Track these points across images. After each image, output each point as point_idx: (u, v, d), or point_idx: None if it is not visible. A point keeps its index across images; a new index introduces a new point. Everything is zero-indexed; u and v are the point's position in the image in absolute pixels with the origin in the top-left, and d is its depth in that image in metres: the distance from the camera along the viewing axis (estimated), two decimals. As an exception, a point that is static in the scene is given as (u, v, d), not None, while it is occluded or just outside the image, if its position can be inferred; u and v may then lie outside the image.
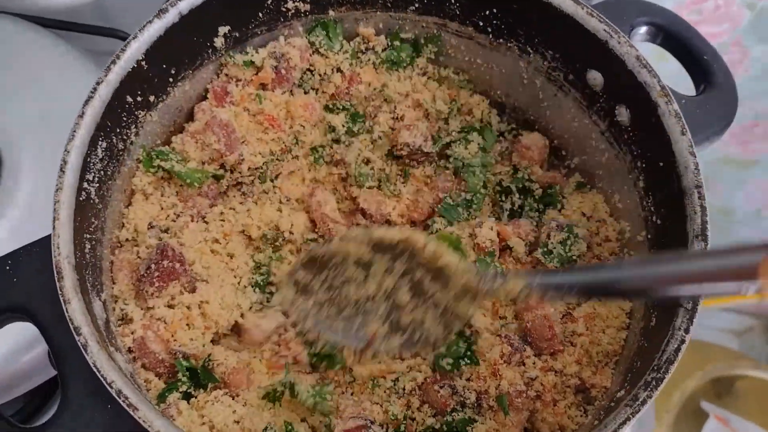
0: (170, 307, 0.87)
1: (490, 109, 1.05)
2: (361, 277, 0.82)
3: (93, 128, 0.81)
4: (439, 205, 0.97)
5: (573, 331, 0.89)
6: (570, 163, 1.02)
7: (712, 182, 2.00)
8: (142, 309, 0.86)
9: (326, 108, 1.01)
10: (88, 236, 0.82)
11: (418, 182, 1.00)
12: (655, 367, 0.74)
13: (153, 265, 0.85)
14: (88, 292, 0.78)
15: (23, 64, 1.16)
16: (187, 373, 0.85)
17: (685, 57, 1.01)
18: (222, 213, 0.94)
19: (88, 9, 1.28)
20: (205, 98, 0.98)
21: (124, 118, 0.87)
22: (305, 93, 1.02)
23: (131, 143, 0.90)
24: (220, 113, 0.94)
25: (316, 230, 0.96)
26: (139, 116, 0.90)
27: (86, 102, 0.81)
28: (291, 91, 1.01)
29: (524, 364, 0.87)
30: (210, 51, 0.95)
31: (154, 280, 0.85)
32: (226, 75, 0.98)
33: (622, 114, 0.90)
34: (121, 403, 0.69)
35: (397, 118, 1.01)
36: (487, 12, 0.97)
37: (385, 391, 0.88)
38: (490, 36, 0.99)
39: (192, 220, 0.92)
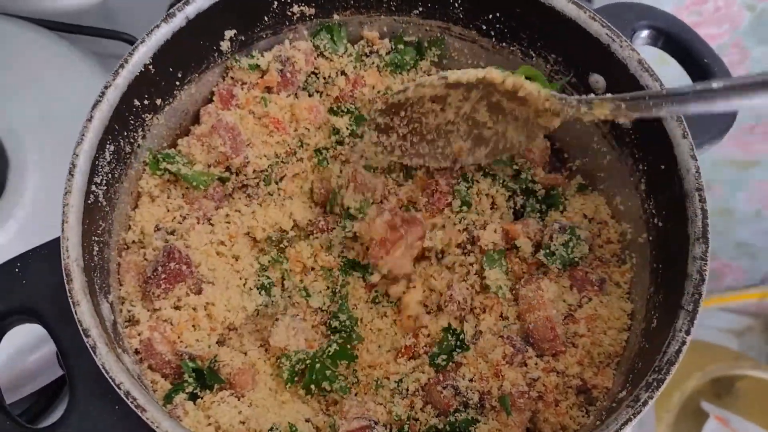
0: (176, 308, 0.87)
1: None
2: (438, 108, 0.87)
3: (101, 132, 0.82)
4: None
5: (575, 332, 0.89)
6: (572, 165, 1.02)
7: (712, 183, 2.01)
8: (148, 310, 0.87)
9: (330, 111, 1.02)
10: (96, 239, 0.83)
11: (422, 182, 1.01)
12: (657, 368, 0.75)
13: (160, 267, 0.86)
14: (96, 294, 0.79)
15: (29, 66, 1.17)
16: (193, 374, 0.85)
17: (685, 60, 1.02)
18: (227, 215, 0.94)
19: (93, 12, 1.29)
20: (210, 101, 0.99)
21: (132, 122, 0.88)
22: (310, 96, 1.03)
23: (138, 146, 0.91)
24: (225, 116, 0.95)
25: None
26: (146, 119, 0.91)
27: (94, 106, 0.82)
28: (296, 94, 1.02)
29: (526, 365, 0.88)
30: (216, 54, 0.96)
31: (161, 282, 0.86)
32: (232, 78, 0.99)
33: (624, 117, 0.91)
34: (129, 404, 0.70)
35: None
36: (490, 16, 0.98)
37: (388, 392, 0.89)
38: (493, 39, 1.00)
39: (198, 222, 0.93)
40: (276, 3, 0.97)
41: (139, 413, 0.70)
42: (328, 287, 0.95)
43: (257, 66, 0.99)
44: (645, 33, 1.02)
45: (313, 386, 0.88)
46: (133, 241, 0.91)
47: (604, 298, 0.91)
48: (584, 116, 0.82)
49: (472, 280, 0.93)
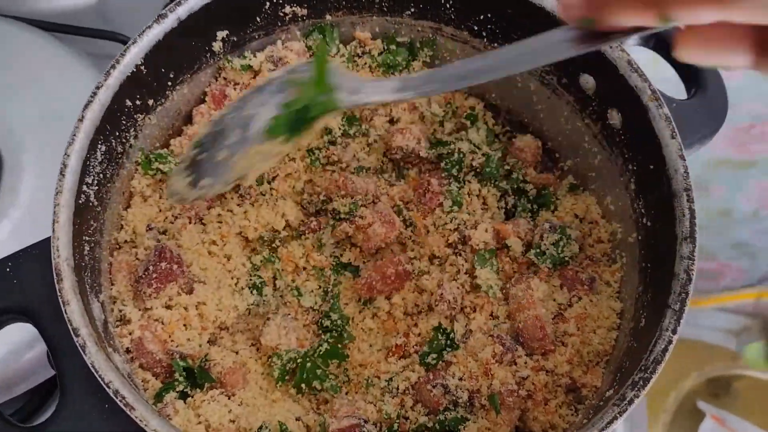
0: (168, 308, 0.88)
1: (485, 111, 1.06)
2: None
3: (92, 132, 0.83)
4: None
5: (564, 331, 0.90)
6: (563, 165, 1.03)
7: (710, 183, 2.01)
8: (140, 310, 0.88)
9: (323, 111, 1.02)
10: (87, 238, 0.83)
11: (415, 183, 1.02)
12: (643, 367, 0.75)
13: (151, 267, 0.87)
14: (87, 293, 0.80)
15: (24, 66, 1.17)
16: (184, 373, 0.86)
17: (676, 61, 1.01)
18: (219, 215, 0.95)
19: (88, 12, 1.29)
20: (203, 101, 0.99)
21: (124, 122, 0.89)
22: (302, 96, 1.03)
23: (130, 146, 0.91)
24: (218, 116, 0.95)
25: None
26: (138, 120, 0.91)
27: (86, 106, 0.83)
28: (288, 94, 1.02)
29: (516, 364, 0.88)
30: (208, 55, 0.97)
31: (152, 281, 0.86)
32: (225, 79, 1.00)
33: (614, 117, 0.92)
34: (119, 402, 0.71)
35: (392, 121, 1.03)
36: (482, 17, 0.98)
37: (379, 391, 0.90)
38: (485, 40, 1.00)
39: (190, 222, 0.93)
40: (268, 4, 0.97)
41: (128, 412, 0.71)
42: (320, 287, 0.96)
43: (249, 66, 0.99)
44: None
45: (303, 385, 0.88)
46: (125, 241, 0.92)
47: (593, 298, 0.92)
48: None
49: (462, 279, 0.93)
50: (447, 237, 0.95)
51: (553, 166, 1.04)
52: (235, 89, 0.99)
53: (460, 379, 0.88)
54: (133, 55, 0.87)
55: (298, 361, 0.88)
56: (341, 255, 0.97)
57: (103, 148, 0.86)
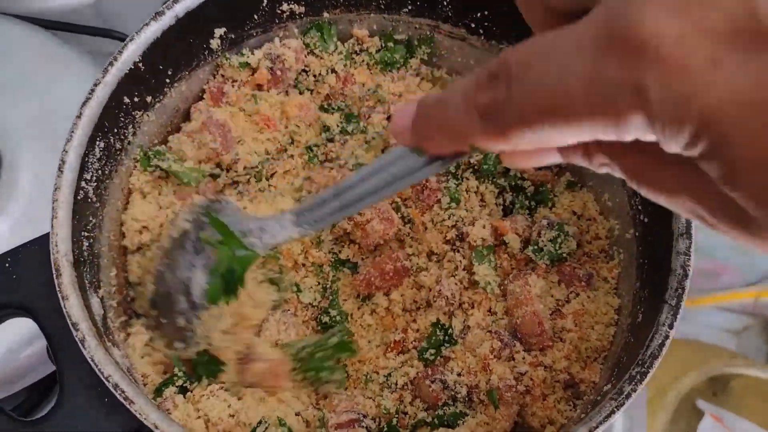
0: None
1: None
2: None
3: (91, 129, 0.83)
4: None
5: (562, 327, 0.90)
6: (561, 162, 1.03)
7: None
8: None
9: (321, 108, 1.03)
10: (86, 234, 0.83)
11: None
12: (640, 362, 0.76)
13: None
14: (86, 288, 0.80)
15: (22, 64, 1.18)
16: (183, 368, 0.86)
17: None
18: (218, 211, 0.95)
19: (86, 10, 1.30)
20: (201, 99, 1.00)
21: (122, 119, 0.89)
22: (300, 93, 1.03)
23: (129, 143, 0.91)
24: (216, 113, 0.95)
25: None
26: (137, 116, 0.92)
27: (84, 103, 0.83)
28: (286, 91, 1.02)
29: (514, 359, 0.88)
30: (206, 52, 0.97)
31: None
32: (222, 76, 1.00)
33: (611, 114, 0.92)
34: (118, 396, 0.71)
35: (390, 118, 1.03)
36: (479, 14, 0.98)
37: (377, 386, 0.90)
38: (483, 37, 1.01)
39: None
40: (266, 1, 0.97)
41: (128, 405, 0.71)
42: (319, 283, 0.96)
43: (247, 64, 0.99)
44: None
45: (312, 373, 0.89)
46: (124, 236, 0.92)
47: (591, 294, 0.92)
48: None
49: (460, 275, 0.93)
50: (445, 234, 0.95)
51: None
52: (233, 86, 0.99)
53: (459, 374, 0.88)
54: (131, 52, 0.87)
55: (308, 350, 0.89)
56: (340, 252, 0.97)
57: (102, 144, 0.86)
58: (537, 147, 0.50)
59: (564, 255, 0.93)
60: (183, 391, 0.85)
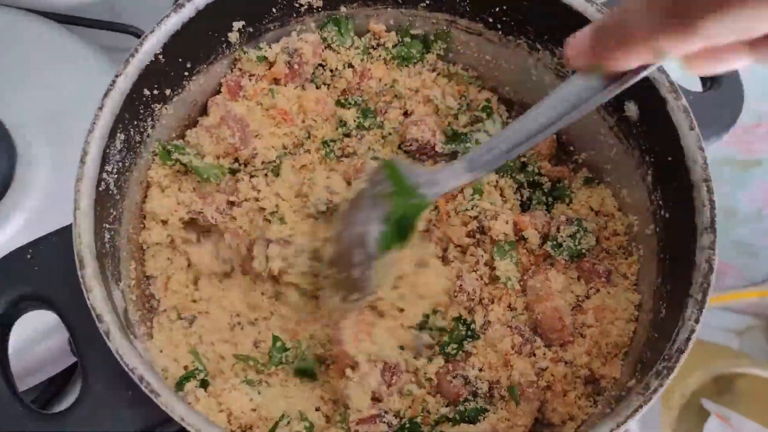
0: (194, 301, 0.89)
1: (499, 105, 1.06)
2: None
3: (112, 120, 0.82)
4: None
5: (583, 322, 0.90)
6: (578, 158, 1.02)
7: (713, 182, 2.01)
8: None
9: (338, 103, 1.02)
10: (107, 226, 0.83)
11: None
12: (666, 357, 0.75)
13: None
14: (108, 280, 0.79)
15: (36, 58, 1.17)
16: (202, 364, 0.86)
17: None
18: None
19: (100, 5, 1.29)
20: (218, 92, 0.99)
21: (141, 111, 0.89)
22: (317, 88, 1.03)
23: (148, 136, 0.91)
24: (234, 107, 0.95)
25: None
26: (156, 109, 0.91)
27: (106, 94, 0.82)
28: (303, 86, 1.02)
29: (535, 355, 0.88)
30: (224, 46, 0.97)
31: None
32: (240, 70, 0.99)
33: (631, 109, 0.91)
34: (143, 389, 0.71)
35: (407, 113, 1.03)
36: (497, 9, 0.98)
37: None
38: (500, 32, 1.00)
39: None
40: (283, -6, 0.97)
41: (153, 398, 0.70)
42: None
43: (265, 58, 0.99)
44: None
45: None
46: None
47: (611, 290, 0.92)
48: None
49: (482, 270, 0.93)
50: (467, 225, 0.95)
51: (568, 159, 1.04)
52: (250, 80, 0.99)
53: (480, 369, 0.88)
54: (152, 43, 0.86)
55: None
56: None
57: (122, 136, 0.85)
58: (731, 40, 0.47)
59: (583, 251, 0.93)
60: (204, 385, 0.85)
